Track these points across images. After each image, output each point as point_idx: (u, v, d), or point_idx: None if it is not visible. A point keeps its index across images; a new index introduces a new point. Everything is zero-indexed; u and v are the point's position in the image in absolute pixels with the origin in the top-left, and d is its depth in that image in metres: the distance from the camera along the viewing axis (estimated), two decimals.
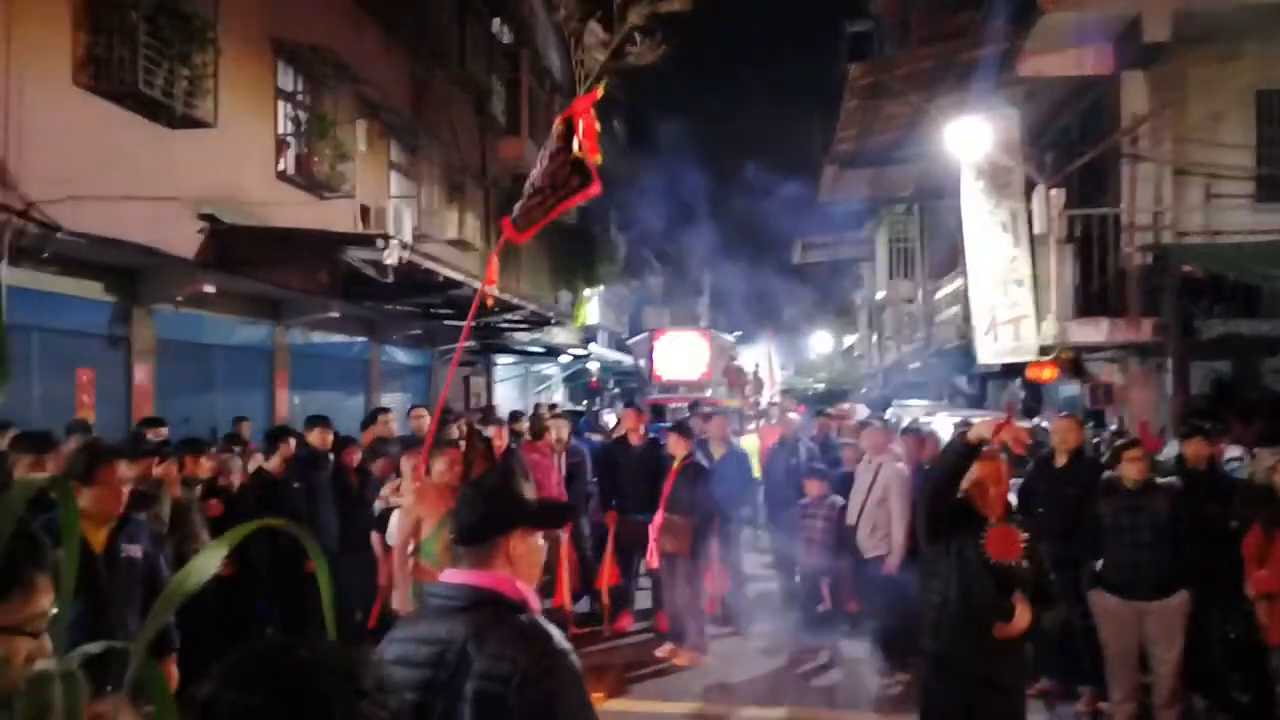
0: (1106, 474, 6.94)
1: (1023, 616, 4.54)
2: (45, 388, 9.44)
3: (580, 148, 6.57)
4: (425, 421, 9.39)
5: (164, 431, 7.56)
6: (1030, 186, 11.88)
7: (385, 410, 10.49)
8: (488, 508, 2.56)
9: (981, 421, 5.02)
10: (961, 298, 14.55)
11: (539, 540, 2.62)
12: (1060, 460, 7.50)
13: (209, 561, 1.11)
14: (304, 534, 1.21)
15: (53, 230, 8.11)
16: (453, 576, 2.51)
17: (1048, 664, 7.52)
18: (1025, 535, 4.77)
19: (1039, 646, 7.56)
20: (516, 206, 6.43)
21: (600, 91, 6.93)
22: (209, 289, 10.64)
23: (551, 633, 2.38)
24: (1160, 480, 6.78)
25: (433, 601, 2.51)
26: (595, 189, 6.65)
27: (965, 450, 4.71)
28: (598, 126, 6.63)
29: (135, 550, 4.61)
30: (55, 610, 1.51)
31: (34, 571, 1.48)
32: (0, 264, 7.70)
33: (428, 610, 2.53)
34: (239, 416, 11.12)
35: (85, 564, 3.81)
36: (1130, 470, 6.63)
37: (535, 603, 2.50)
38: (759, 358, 27.95)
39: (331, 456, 8.78)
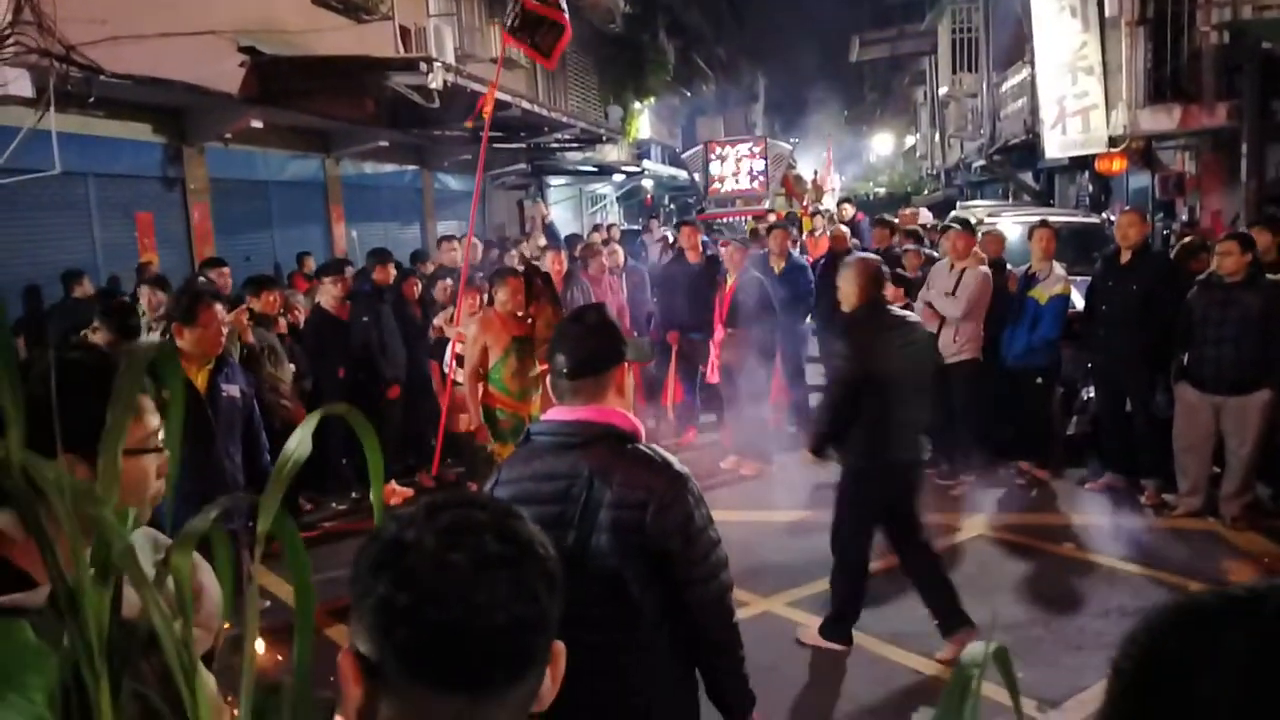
0: (1210, 268, 6.74)
1: None
2: (106, 232, 9.59)
3: None
4: (458, 254, 9.38)
5: (226, 272, 7.64)
6: None
7: (449, 238, 10.47)
8: (598, 342, 2.59)
9: None
10: (1028, 89, 13.99)
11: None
12: (1124, 257, 7.32)
13: (304, 440, 1.08)
14: (356, 417, 1.16)
15: (95, 73, 8.03)
16: (564, 413, 2.54)
17: (1112, 458, 7.55)
18: None
19: (1104, 441, 7.62)
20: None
21: None
22: (256, 124, 10.57)
23: (670, 459, 2.49)
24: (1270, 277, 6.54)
25: (543, 439, 2.54)
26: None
27: None
28: None
29: (234, 389, 4.80)
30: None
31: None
32: (49, 110, 7.68)
33: (539, 447, 2.54)
34: (302, 251, 11.24)
35: (191, 403, 4.08)
36: (1223, 264, 6.46)
37: (642, 432, 2.56)
38: (817, 164, 27.38)
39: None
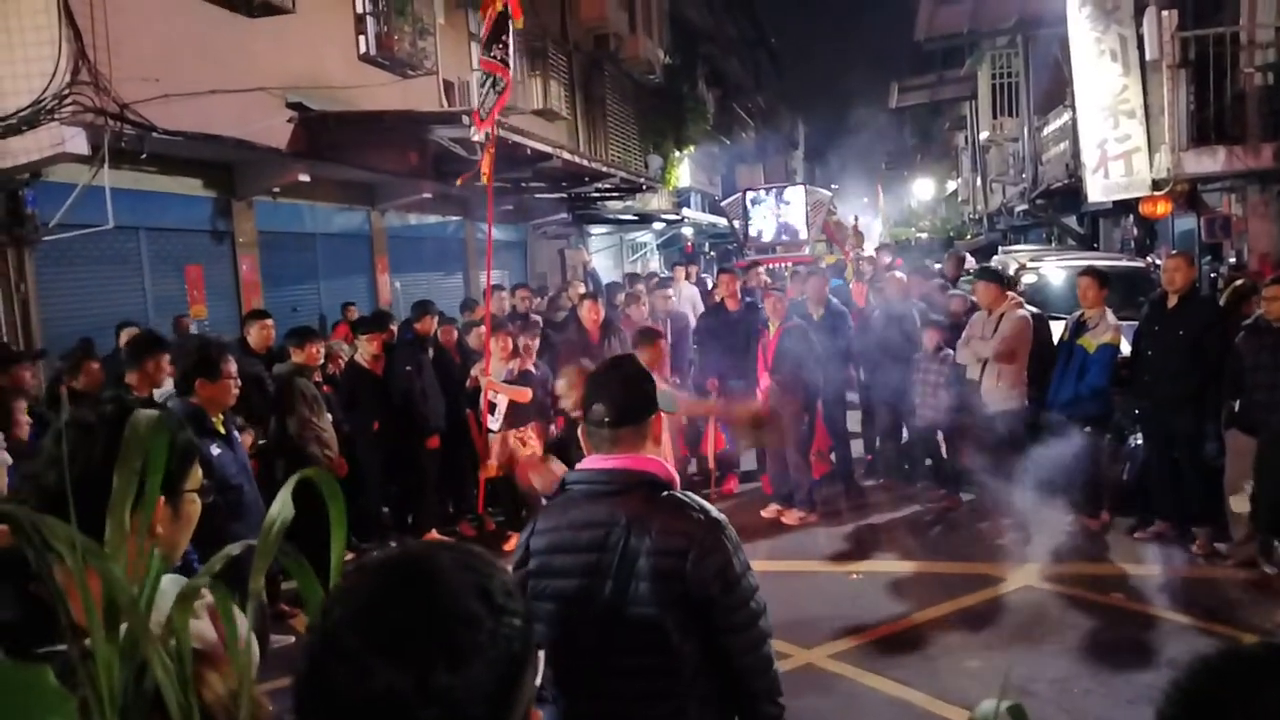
0: (1257, 312, 6.65)
1: None
2: (157, 285, 9.79)
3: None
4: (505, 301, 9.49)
5: (270, 324, 7.75)
6: (1140, 9, 11.19)
7: (499, 287, 10.61)
8: (638, 391, 2.61)
9: None
10: (1069, 133, 13.94)
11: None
12: (1171, 301, 7.22)
13: (285, 501, 1.08)
14: (324, 478, 1.16)
15: (148, 130, 8.25)
16: (601, 462, 2.55)
17: (1161, 506, 7.40)
18: None
19: (1153, 489, 7.48)
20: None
21: None
22: (304, 178, 10.77)
23: (708, 506, 2.49)
24: None
25: (580, 488, 2.55)
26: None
27: None
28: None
29: (236, 435, 5.16)
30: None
31: (194, 448, 1.86)
32: (104, 167, 7.89)
33: (575, 496, 2.55)
34: (346, 302, 11.39)
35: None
36: (1271, 308, 6.37)
37: (678, 480, 2.57)
38: (858, 210, 27.35)
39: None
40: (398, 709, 0.94)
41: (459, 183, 9.15)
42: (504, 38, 7.72)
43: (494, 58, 7.76)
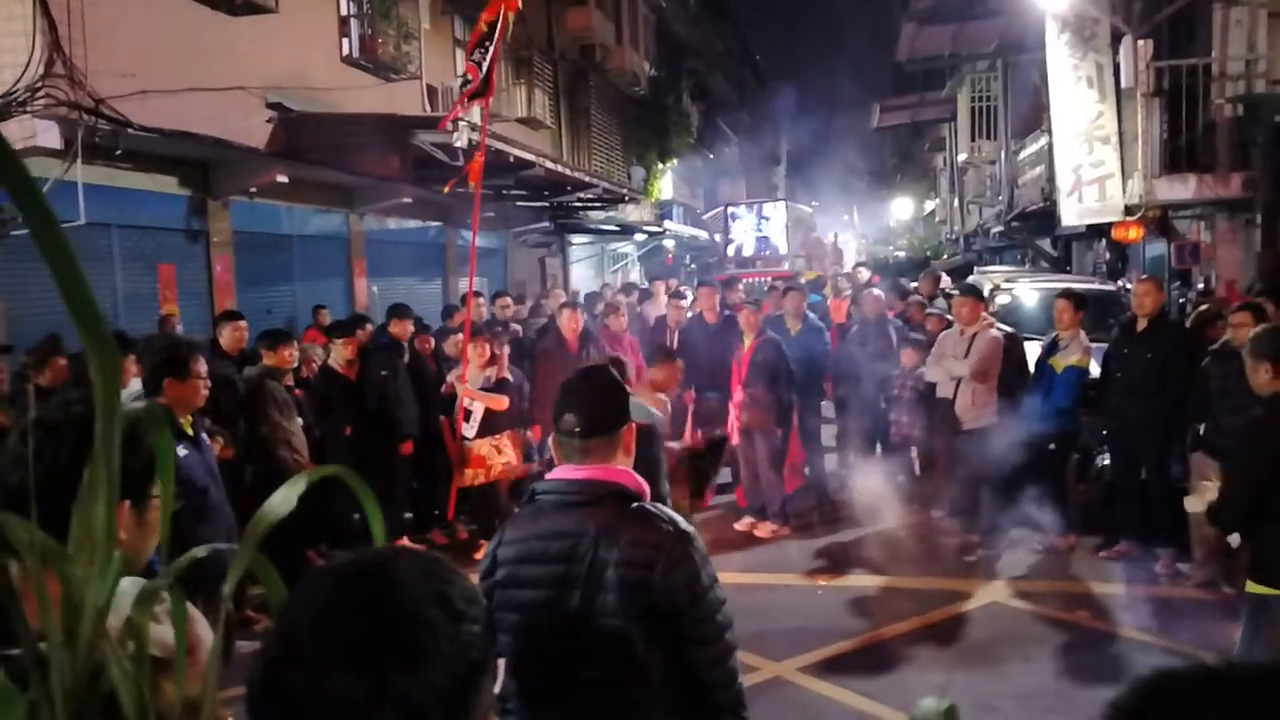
0: (1225, 337, 6.73)
1: None
2: (128, 283, 9.70)
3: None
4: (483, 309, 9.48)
5: (243, 325, 7.68)
6: (1117, 38, 11.33)
7: (478, 294, 10.55)
8: (610, 402, 2.60)
9: None
10: (1045, 158, 14.06)
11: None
12: (1140, 324, 7.32)
13: (288, 497, 1.08)
14: (352, 477, 1.15)
15: (124, 126, 8.19)
16: (570, 472, 2.54)
17: (1127, 526, 7.48)
18: None
19: (1119, 509, 7.55)
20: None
21: None
22: (282, 179, 10.72)
23: (677, 518, 2.48)
24: None
25: (549, 498, 2.54)
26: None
27: None
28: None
29: (204, 436, 5.05)
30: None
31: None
32: (76, 162, 7.83)
33: (545, 506, 2.54)
34: (318, 305, 11.32)
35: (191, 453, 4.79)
36: (1236, 335, 6.44)
37: (648, 491, 2.56)
38: (838, 227, 27.49)
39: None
40: (354, 713, 0.93)
41: (446, 190, 9.13)
42: (487, 43, 7.77)
43: (474, 61, 7.82)
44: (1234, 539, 4.84)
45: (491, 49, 7.72)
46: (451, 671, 0.98)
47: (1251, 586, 4.14)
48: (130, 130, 8.21)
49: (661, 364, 6.92)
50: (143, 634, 0.92)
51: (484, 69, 7.75)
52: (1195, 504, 4.56)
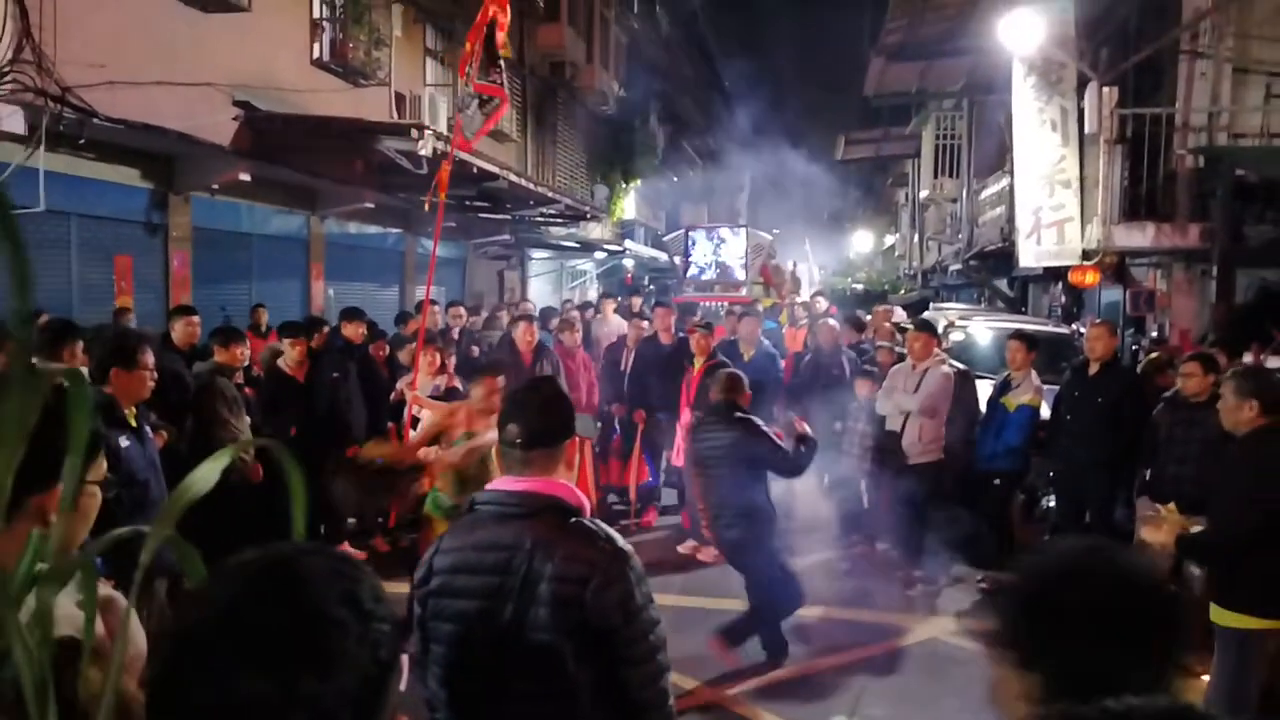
0: (1176, 386, 6.83)
1: None
2: (85, 273, 9.56)
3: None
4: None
5: (196, 320, 7.57)
6: (1083, 83, 11.51)
7: (434, 303, 10.47)
8: (554, 415, 2.61)
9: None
10: (1006, 198, 14.27)
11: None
12: (1092, 369, 7.42)
13: (209, 472, 1.05)
14: (281, 449, 1.14)
15: (89, 115, 8.10)
16: (510, 484, 2.54)
17: None
18: None
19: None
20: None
21: None
22: (245, 177, 10.63)
23: (615, 536, 2.48)
24: None
25: (488, 509, 2.53)
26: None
27: None
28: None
29: (148, 429, 4.98)
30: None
31: (102, 440, 1.83)
32: (39, 149, 7.73)
33: (483, 517, 2.53)
34: (257, 304, 11.16)
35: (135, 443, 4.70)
36: (1186, 385, 6.54)
37: (588, 507, 2.56)
38: (797, 256, 27.66)
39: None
40: (261, 716, 0.91)
41: (426, 206, 9.07)
42: (499, 62, 7.86)
43: (492, 81, 7.86)
44: (1195, 571, 4.93)
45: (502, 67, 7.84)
46: (362, 673, 0.97)
47: (1239, 620, 4.19)
48: (96, 120, 8.12)
49: (482, 380, 6.32)
50: (46, 614, 0.90)
51: (503, 83, 7.88)
52: (1155, 534, 4.58)
